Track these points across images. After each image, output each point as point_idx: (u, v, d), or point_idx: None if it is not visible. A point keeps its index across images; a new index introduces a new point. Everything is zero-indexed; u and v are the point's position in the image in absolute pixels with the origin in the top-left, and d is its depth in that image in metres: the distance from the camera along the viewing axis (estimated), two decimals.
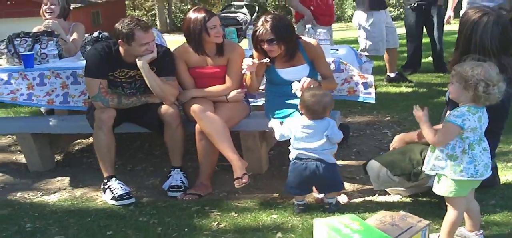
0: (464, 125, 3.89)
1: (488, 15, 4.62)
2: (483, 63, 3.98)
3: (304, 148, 4.87)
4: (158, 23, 34.47)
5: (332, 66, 5.96)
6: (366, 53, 9.52)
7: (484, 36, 4.57)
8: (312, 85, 5.19)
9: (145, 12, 44.32)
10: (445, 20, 10.41)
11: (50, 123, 6.55)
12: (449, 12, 10.21)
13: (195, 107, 5.53)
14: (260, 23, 5.39)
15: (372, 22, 9.64)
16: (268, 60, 5.44)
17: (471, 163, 3.92)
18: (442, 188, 4.08)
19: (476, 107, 3.90)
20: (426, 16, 10.64)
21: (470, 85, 3.90)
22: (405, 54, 11.56)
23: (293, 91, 5.27)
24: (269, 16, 5.47)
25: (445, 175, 4.03)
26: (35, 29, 7.36)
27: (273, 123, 5.17)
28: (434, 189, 4.16)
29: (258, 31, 5.35)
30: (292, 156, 4.96)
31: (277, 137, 5.05)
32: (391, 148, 5.19)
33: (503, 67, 4.46)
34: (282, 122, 5.22)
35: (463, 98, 3.98)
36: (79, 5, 37.98)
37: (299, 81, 5.28)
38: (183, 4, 43.73)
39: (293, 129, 4.91)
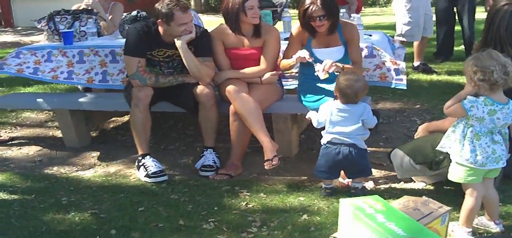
0: (470, 111, 3.99)
1: (510, 4, 4.70)
2: (480, 53, 4.06)
3: (338, 132, 4.93)
4: (192, 2, 34.26)
5: (365, 52, 6.02)
6: (402, 38, 9.60)
7: (501, 25, 4.65)
8: (334, 68, 5.30)
9: None
10: (486, 6, 10.31)
11: (87, 100, 6.67)
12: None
13: (230, 88, 5.64)
14: (309, 0, 5.41)
15: (410, 6, 9.62)
16: (312, 59, 5.49)
17: (473, 151, 4.02)
18: (453, 173, 4.21)
19: (494, 100, 3.98)
20: (457, 1, 10.57)
21: (471, 76, 4.02)
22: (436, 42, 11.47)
23: (315, 73, 5.36)
24: None
25: (450, 155, 4.17)
26: (74, 7, 7.51)
27: (311, 114, 5.19)
28: (448, 176, 4.28)
29: (310, 8, 5.37)
30: (324, 140, 5.01)
31: (315, 124, 5.09)
32: (415, 137, 5.25)
33: None
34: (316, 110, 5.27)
35: (470, 90, 4.10)
36: None
37: (321, 63, 5.38)
38: None
39: (329, 112, 4.96)
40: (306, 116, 5.30)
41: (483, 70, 3.93)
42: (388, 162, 5.28)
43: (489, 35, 4.70)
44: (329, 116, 4.96)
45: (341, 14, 5.93)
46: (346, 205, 3.99)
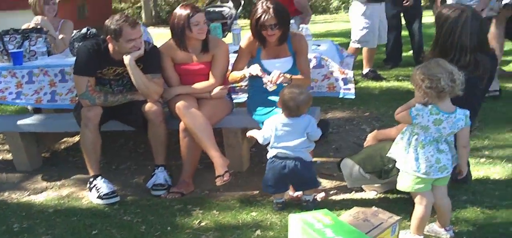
0: (415, 119, 4.08)
1: (466, 12, 4.75)
2: (428, 62, 4.14)
3: (283, 146, 4.95)
4: (143, 16, 34.20)
5: (314, 62, 6.08)
6: (357, 44, 9.70)
7: (463, 33, 4.69)
8: (281, 79, 5.33)
9: (131, 4, 43.87)
10: (433, 10, 10.45)
11: (38, 121, 6.60)
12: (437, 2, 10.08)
13: (179, 104, 5.63)
14: (261, 9, 5.45)
15: (366, 13, 9.72)
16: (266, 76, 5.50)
17: (417, 160, 4.10)
18: (401, 182, 4.29)
19: (440, 109, 4.05)
20: (404, 7, 10.71)
21: (419, 84, 4.09)
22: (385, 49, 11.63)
23: (264, 85, 5.39)
24: (268, 2, 5.51)
25: (397, 164, 4.25)
26: (24, 26, 7.43)
27: (253, 132, 5.21)
28: (397, 185, 4.35)
29: (262, 17, 5.40)
30: (270, 154, 5.04)
31: (261, 141, 5.08)
32: (365, 146, 5.30)
33: (477, 63, 4.65)
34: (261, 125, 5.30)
35: (419, 99, 4.17)
36: None
37: (269, 74, 5.41)
38: None
39: (274, 127, 4.97)
40: (247, 135, 5.32)
41: (431, 78, 4.00)
42: (338, 171, 5.32)
43: (449, 44, 4.74)
44: (274, 131, 4.98)
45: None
46: (295, 220, 4.03)
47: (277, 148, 4.99)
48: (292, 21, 6.12)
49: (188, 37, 5.77)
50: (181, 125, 5.67)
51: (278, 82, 5.33)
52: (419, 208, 4.26)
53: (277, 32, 5.47)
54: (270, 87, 5.34)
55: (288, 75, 5.46)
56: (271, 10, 5.40)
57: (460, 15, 4.73)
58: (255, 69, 5.49)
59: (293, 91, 4.94)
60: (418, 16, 10.97)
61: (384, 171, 4.75)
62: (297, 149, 4.95)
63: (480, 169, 5.79)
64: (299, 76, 5.62)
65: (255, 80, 5.69)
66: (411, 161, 4.15)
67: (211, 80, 5.89)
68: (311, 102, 5.08)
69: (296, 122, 4.95)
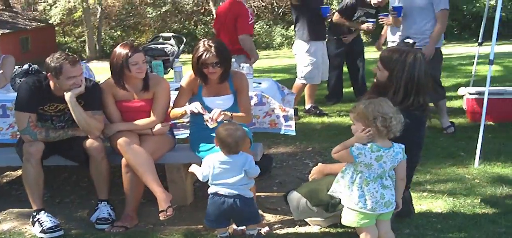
0: (358, 158, 4.14)
1: (414, 53, 4.85)
2: (374, 100, 4.23)
3: (222, 184, 4.96)
4: (87, 50, 34.12)
5: (255, 100, 6.16)
6: (303, 81, 9.79)
7: (420, 75, 4.79)
8: (222, 116, 5.37)
9: (75, 39, 43.75)
10: (376, 46, 10.61)
11: None
12: (381, 39, 10.31)
13: (121, 140, 5.63)
14: (203, 47, 5.51)
15: (310, 50, 9.79)
16: (206, 114, 5.53)
17: (362, 197, 4.16)
18: (345, 218, 4.34)
19: (379, 146, 4.13)
20: (346, 45, 10.91)
21: (370, 121, 4.16)
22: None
23: (205, 122, 5.43)
24: (210, 41, 5.60)
25: (341, 201, 4.30)
26: None
27: (193, 168, 5.21)
28: (342, 220, 4.40)
29: (204, 55, 5.47)
30: (210, 190, 5.05)
31: (200, 178, 5.09)
32: (310, 179, 5.34)
33: (425, 103, 4.78)
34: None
35: (361, 138, 4.24)
36: (8, 31, 37.41)
37: (210, 112, 5.44)
38: (113, 31, 43.41)
39: (212, 165, 4.99)
40: (189, 170, 5.32)
41: (384, 117, 4.08)
42: (283, 205, 5.34)
43: (409, 86, 4.79)
44: (212, 170, 4.99)
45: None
46: None
47: (217, 185, 5.00)
48: (233, 59, 6.19)
49: (127, 76, 5.79)
50: (123, 161, 5.67)
51: (219, 120, 5.36)
52: None
53: (218, 70, 5.54)
54: (211, 124, 5.38)
55: (228, 113, 5.51)
56: (212, 48, 5.47)
57: (415, 58, 4.82)
58: (195, 106, 5.53)
59: (229, 128, 4.99)
60: (362, 53, 11.17)
61: (331, 205, 4.77)
62: (236, 186, 4.96)
63: (423, 203, 5.88)
64: (240, 114, 5.68)
65: (196, 117, 5.71)
66: (355, 198, 4.21)
67: (152, 117, 5.91)
68: (248, 139, 5.11)
69: (233, 160, 4.97)
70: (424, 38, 8.31)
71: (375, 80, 5.05)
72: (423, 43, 8.21)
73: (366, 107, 4.22)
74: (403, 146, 4.26)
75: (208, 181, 5.07)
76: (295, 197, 5.12)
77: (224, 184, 4.96)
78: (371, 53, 11.55)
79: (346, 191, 4.28)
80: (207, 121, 5.40)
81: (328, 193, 4.54)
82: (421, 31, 8.39)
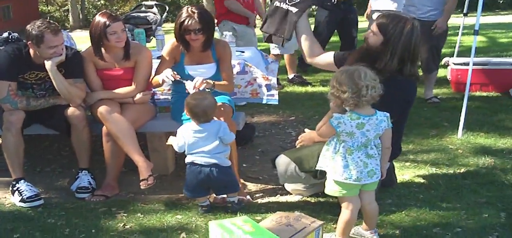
0: (338, 128, 4.08)
1: (412, 22, 4.78)
2: (350, 68, 4.17)
3: (198, 153, 4.97)
4: (70, 19, 33.89)
5: (237, 68, 6.12)
6: (277, 51, 9.75)
7: (416, 43, 4.75)
8: (204, 85, 5.33)
9: (58, 8, 43.46)
10: (366, 15, 10.54)
11: None
12: (369, 9, 10.25)
13: (101, 109, 5.60)
14: (185, 14, 5.46)
15: None
16: (180, 78, 5.54)
17: (346, 167, 4.10)
18: (328, 187, 4.30)
19: (359, 114, 4.08)
20: (342, 14, 10.67)
21: (337, 91, 4.11)
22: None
23: (186, 90, 5.39)
24: (194, 7, 5.55)
25: (327, 174, 4.27)
26: None
27: (171, 140, 5.20)
28: (325, 190, 4.37)
29: (186, 21, 5.42)
30: (187, 160, 5.05)
31: (176, 148, 5.10)
32: (297, 145, 5.30)
33: (415, 72, 4.77)
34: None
35: (335, 109, 4.21)
36: None
37: (192, 80, 5.40)
38: (97, 0, 43.21)
39: (186, 135, 5.00)
40: (167, 143, 5.30)
41: (356, 85, 4.01)
42: (266, 173, 5.35)
43: (405, 55, 4.74)
44: (186, 139, 4.99)
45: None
46: (214, 227, 4.04)
47: (192, 154, 5.00)
48: (216, 28, 6.15)
49: (107, 45, 5.74)
50: (104, 129, 5.64)
51: (201, 88, 5.32)
52: (346, 213, 4.27)
53: (201, 37, 5.49)
54: (193, 93, 5.33)
55: (210, 81, 5.47)
56: (196, 15, 5.42)
57: (413, 27, 4.76)
58: (166, 75, 5.50)
59: (196, 97, 5.00)
60: (356, 21, 11.03)
61: (320, 172, 4.68)
62: (212, 153, 4.96)
63: (405, 173, 5.88)
64: (222, 83, 5.65)
65: (178, 85, 5.71)
66: (340, 169, 4.15)
67: (134, 85, 5.87)
68: (216, 106, 5.10)
69: (207, 128, 4.97)
70: (430, 10, 8.28)
71: (365, 45, 4.99)
72: (427, 16, 8.23)
73: (340, 75, 4.16)
74: (388, 114, 4.21)
75: (184, 151, 5.05)
76: (284, 161, 5.09)
77: (200, 153, 4.96)
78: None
79: (331, 163, 4.24)
80: (189, 88, 5.35)
81: (317, 167, 4.49)
82: (425, 2, 8.35)
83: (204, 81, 5.37)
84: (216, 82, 5.54)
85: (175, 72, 5.51)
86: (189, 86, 5.37)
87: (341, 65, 4.83)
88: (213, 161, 4.95)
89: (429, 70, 8.72)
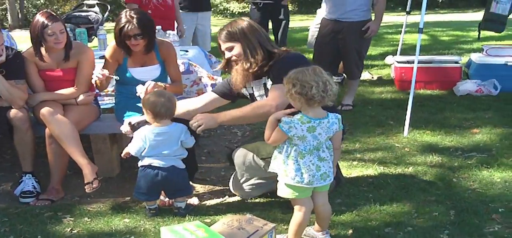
0: (290, 132, 4.03)
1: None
2: (307, 67, 4.12)
3: (157, 155, 4.90)
4: (9, 18, 33.32)
5: (182, 68, 6.08)
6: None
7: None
8: (156, 89, 5.26)
9: None
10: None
11: None
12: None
13: (44, 110, 5.49)
14: (124, 19, 5.40)
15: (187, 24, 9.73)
16: (118, 78, 5.55)
17: (298, 170, 4.06)
18: (280, 190, 4.27)
19: (310, 117, 4.04)
20: (272, 15, 10.87)
21: (288, 89, 4.08)
22: None
23: (137, 94, 5.32)
24: (133, 11, 5.49)
25: (278, 177, 4.23)
26: None
27: (129, 148, 5.04)
28: (277, 192, 4.33)
29: (126, 26, 5.36)
30: (142, 163, 4.98)
31: (134, 153, 4.99)
32: (197, 130, 4.95)
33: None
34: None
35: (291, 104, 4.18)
36: None
37: (143, 84, 5.34)
38: None
39: (145, 138, 4.91)
40: (122, 155, 5.16)
41: (303, 84, 3.97)
42: (213, 174, 5.32)
43: (261, 39, 4.86)
44: (147, 142, 4.91)
45: (157, 31, 5.93)
46: (166, 232, 3.99)
47: (151, 157, 4.93)
48: (158, 27, 6.09)
49: (46, 46, 5.64)
50: (47, 131, 5.54)
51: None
52: (298, 215, 4.23)
53: (141, 42, 5.46)
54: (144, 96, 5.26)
55: (162, 84, 5.44)
56: (134, 20, 5.37)
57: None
58: (96, 75, 5.45)
59: (159, 99, 4.89)
60: (286, 25, 11.08)
61: None
62: (171, 157, 4.92)
63: (353, 172, 5.90)
64: (173, 85, 5.65)
65: (122, 86, 5.68)
66: (292, 172, 4.11)
67: (77, 86, 5.80)
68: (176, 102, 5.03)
69: (169, 130, 4.92)
70: (361, 11, 8.18)
71: (235, 69, 5.08)
72: (359, 18, 8.16)
73: (301, 74, 4.11)
74: (339, 116, 4.19)
75: (141, 154, 4.98)
76: (241, 153, 5.04)
77: (159, 156, 4.90)
78: (296, 22, 11.48)
79: (282, 166, 4.20)
80: (141, 92, 5.29)
81: (269, 170, 4.44)
82: (356, 4, 8.17)
83: (156, 84, 5.33)
84: (167, 85, 5.53)
85: (104, 71, 5.46)
86: (140, 90, 5.30)
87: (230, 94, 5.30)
88: (171, 163, 4.92)
89: (352, 76, 8.61)
